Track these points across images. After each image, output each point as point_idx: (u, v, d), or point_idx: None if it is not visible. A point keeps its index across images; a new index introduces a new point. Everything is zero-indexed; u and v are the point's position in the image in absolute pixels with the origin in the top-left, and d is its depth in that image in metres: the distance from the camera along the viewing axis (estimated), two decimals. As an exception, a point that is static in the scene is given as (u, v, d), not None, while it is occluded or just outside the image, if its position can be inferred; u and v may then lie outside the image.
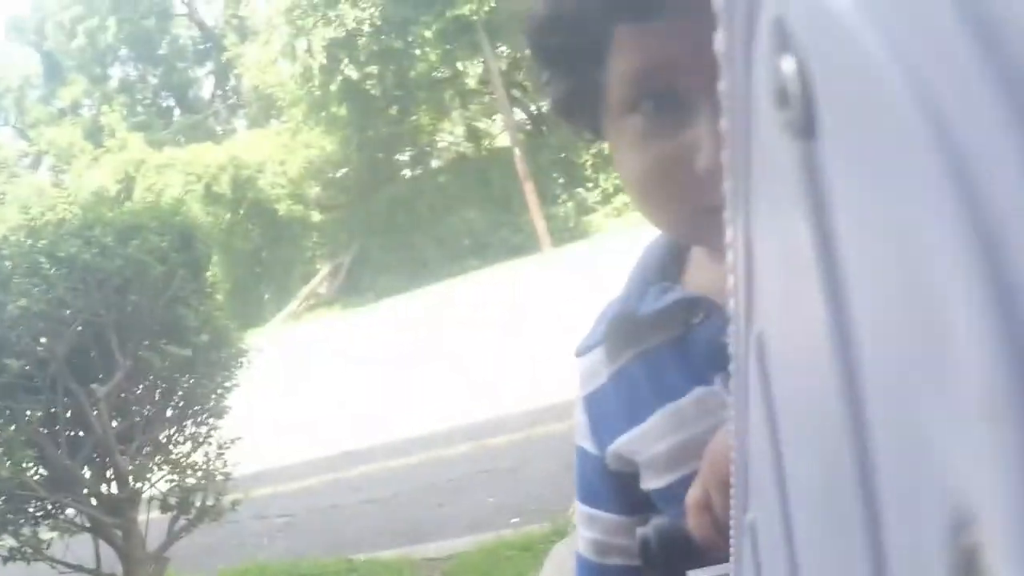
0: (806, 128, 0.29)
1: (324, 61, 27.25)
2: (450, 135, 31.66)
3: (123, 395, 6.23)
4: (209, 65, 44.13)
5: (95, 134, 35.86)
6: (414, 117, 30.47)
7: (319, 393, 14.52)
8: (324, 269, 31.56)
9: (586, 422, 1.28)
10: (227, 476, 6.60)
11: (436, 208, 29.18)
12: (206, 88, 45.14)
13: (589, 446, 1.28)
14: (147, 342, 6.11)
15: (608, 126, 1.08)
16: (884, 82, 0.22)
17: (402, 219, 29.63)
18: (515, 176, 25.42)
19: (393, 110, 29.67)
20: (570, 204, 26.01)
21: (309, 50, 27.55)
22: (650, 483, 1.18)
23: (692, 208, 0.99)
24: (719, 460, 0.92)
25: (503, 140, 27.93)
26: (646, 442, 1.16)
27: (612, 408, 1.23)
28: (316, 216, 32.50)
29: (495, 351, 12.04)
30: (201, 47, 44.15)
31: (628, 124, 1.03)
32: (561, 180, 26.61)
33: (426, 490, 8.12)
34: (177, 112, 43.26)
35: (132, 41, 41.48)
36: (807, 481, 0.42)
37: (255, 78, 33.54)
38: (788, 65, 0.30)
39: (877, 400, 0.28)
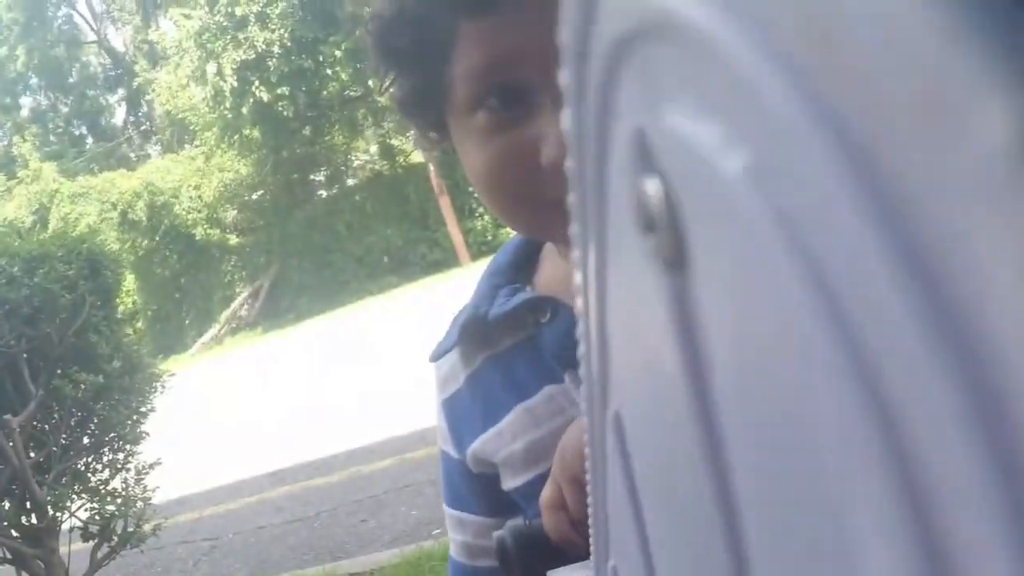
0: (674, 258, 0.28)
1: (235, 84, 27.02)
2: (364, 153, 31.47)
3: (38, 424, 6.21)
4: (121, 92, 43.69)
5: (8, 165, 35.36)
6: (328, 137, 30.29)
7: (243, 416, 14.46)
8: (244, 292, 31.35)
9: (446, 426, 1.30)
10: (147, 501, 6.59)
11: (353, 227, 29.07)
12: (118, 115, 44.74)
13: (451, 450, 1.29)
14: (59, 371, 6.10)
15: (454, 123, 1.09)
16: (755, 222, 0.21)
17: (320, 239, 29.49)
18: (431, 191, 25.45)
19: (306, 130, 29.46)
20: (486, 217, 25.92)
21: (219, 73, 27.33)
22: (509, 483, 1.20)
23: (539, 201, 1.01)
24: (570, 457, 0.96)
25: (417, 156, 27.85)
26: (502, 442, 1.18)
27: (469, 411, 1.25)
28: (233, 239, 32.24)
29: (415, 365, 12.01)
30: (112, 74, 43.72)
31: (474, 121, 1.05)
32: (476, 194, 26.64)
33: (349, 507, 8.14)
34: (90, 140, 42.76)
35: (42, 69, 41.00)
36: (673, 550, 0.42)
37: (167, 103, 33.22)
38: (653, 188, 0.29)
39: (752, 523, 0.28)
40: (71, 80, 42.59)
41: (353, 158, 32.13)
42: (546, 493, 0.99)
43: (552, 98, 0.97)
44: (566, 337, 1.10)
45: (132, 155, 40.92)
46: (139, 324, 31.13)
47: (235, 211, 32.33)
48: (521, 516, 1.08)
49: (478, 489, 1.26)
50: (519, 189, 1.04)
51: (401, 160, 29.72)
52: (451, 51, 1.02)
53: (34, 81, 42.07)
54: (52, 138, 41.14)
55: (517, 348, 1.19)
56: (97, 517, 6.39)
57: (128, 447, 6.63)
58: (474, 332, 1.23)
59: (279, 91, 26.92)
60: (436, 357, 1.31)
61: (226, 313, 30.94)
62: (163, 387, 6.82)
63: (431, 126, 1.15)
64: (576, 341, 1.09)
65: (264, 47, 26.06)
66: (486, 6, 0.97)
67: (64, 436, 6.32)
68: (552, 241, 1.18)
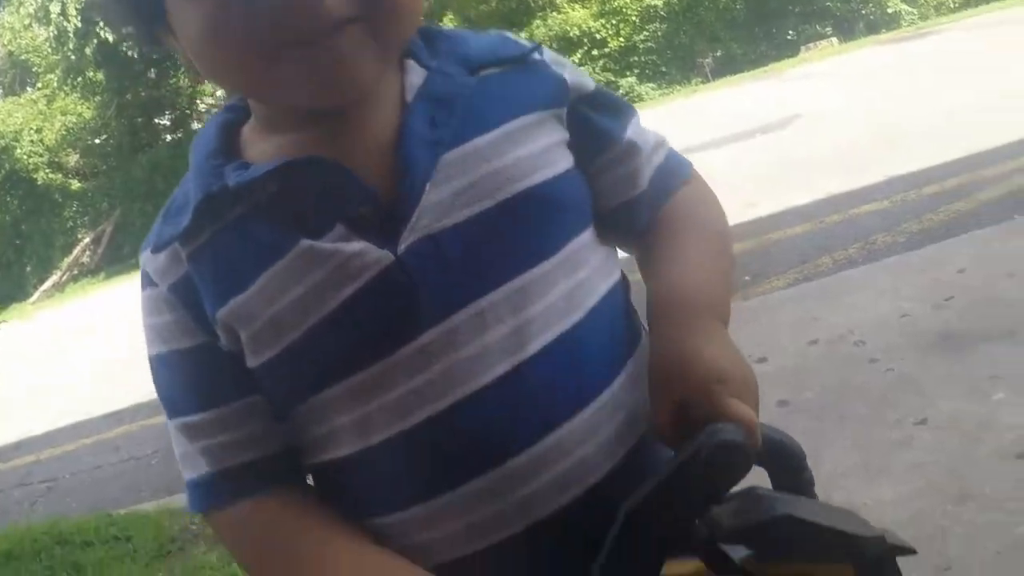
0: None
1: (79, 24, 26.50)
2: (211, 97, 31.11)
3: None
4: (-41, 32, 42.51)
5: None
6: (173, 80, 29.88)
7: (82, 360, 14.35)
8: (86, 238, 30.84)
9: (182, 316, 1.17)
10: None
11: (198, 172, 28.76)
12: (-43, 56, 43.48)
13: (190, 341, 1.17)
14: None
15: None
16: None
17: (163, 184, 29.06)
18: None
19: (152, 73, 29.02)
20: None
21: (63, 13, 26.76)
22: (263, 354, 1.12)
23: (270, 45, 0.99)
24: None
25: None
26: (255, 307, 1.10)
27: (206, 286, 1.14)
28: (76, 184, 31.65)
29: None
30: (-50, 13, 42.49)
31: None
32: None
33: (186, 445, 8.16)
34: (-73, 81, 41.59)
35: None
36: None
37: (9, 43, 32.45)
38: None
39: None
40: (-93, 19, 41.25)
41: (199, 102, 31.73)
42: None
43: None
44: (334, 189, 1.09)
45: (-28, 97, 39.85)
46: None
47: (77, 155, 31.73)
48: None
49: (232, 368, 1.15)
50: (253, 32, 0.99)
51: (248, 105, 29.45)
52: None
53: None
54: None
55: (256, 214, 1.12)
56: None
57: (-40, 390, 6.63)
58: (207, 210, 1.13)
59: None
60: (163, 246, 1.18)
61: (68, 260, 30.42)
62: (-3, 332, 6.81)
63: (148, 15, 1.10)
64: (346, 192, 1.10)
65: (109, -13, 25.56)
66: None
67: None
68: (274, 96, 1.11)
